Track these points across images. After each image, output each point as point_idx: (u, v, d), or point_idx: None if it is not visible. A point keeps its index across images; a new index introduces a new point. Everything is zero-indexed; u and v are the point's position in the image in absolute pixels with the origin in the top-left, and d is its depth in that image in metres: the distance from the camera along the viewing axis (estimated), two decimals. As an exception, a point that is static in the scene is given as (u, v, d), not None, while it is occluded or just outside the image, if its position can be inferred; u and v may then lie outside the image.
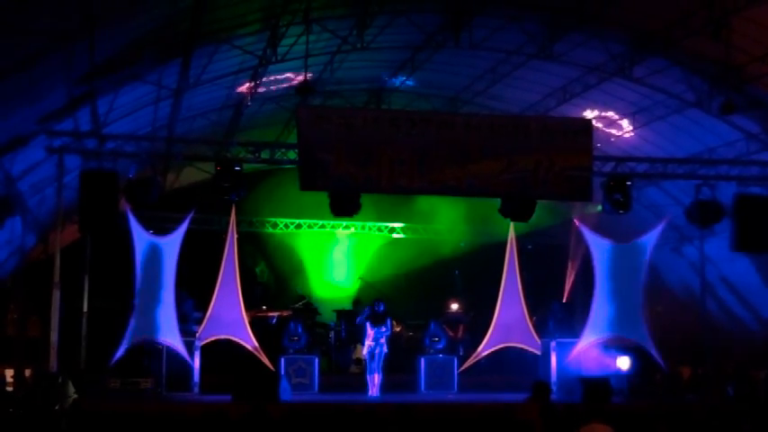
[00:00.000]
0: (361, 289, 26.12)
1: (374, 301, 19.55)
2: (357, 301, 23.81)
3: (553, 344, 20.09)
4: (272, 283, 26.50)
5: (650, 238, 20.06)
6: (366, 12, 18.22)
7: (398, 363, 20.50)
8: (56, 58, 14.74)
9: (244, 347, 19.48)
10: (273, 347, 19.88)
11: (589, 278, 20.69)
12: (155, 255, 18.58)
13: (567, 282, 23.42)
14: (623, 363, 19.49)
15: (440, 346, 20.55)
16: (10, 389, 18.08)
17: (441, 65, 21.01)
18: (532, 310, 21.74)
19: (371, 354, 18.87)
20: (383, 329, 18.90)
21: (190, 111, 21.16)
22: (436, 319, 21.50)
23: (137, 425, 14.82)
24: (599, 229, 20.57)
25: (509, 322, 21.03)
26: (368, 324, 18.96)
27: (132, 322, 18.15)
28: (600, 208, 19.92)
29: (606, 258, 20.06)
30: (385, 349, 18.91)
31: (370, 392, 18.74)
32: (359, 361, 20.90)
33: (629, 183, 19.17)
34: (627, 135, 22.34)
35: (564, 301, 23.32)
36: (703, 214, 19.32)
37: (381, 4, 18.05)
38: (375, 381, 18.86)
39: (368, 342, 18.90)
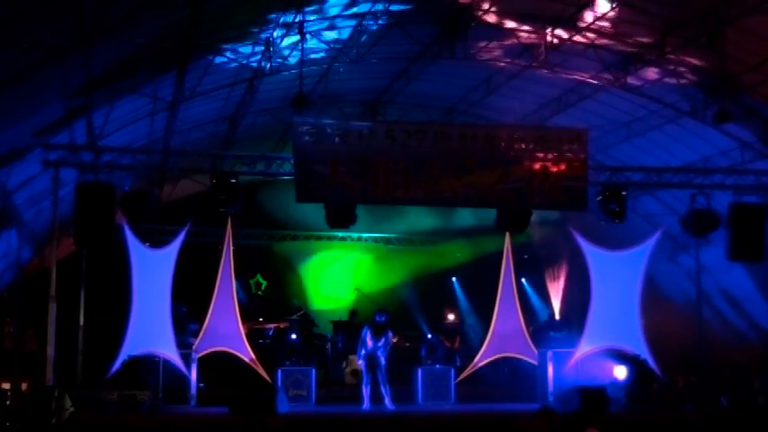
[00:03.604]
0: (358, 300, 26.10)
1: (375, 312, 19.16)
2: (353, 312, 23.75)
3: (550, 354, 20.03)
4: (269, 295, 26.46)
5: (646, 248, 20.04)
6: (361, 23, 18.26)
7: (395, 373, 20.34)
8: (51, 72, 14.75)
9: (241, 359, 19.44)
10: (270, 359, 19.83)
11: (585, 287, 20.67)
12: (151, 267, 18.51)
13: (556, 298, 23.45)
14: (620, 372, 19.48)
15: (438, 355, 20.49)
16: (7, 402, 18.01)
17: (436, 76, 21.04)
18: (529, 319, 21.68)
19: (367, 365, 18.41)
20: (382, 341, 18.39)
21: (185, 123, 21.18)
22: (433, 330, 21.43)
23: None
24: (594, 238, 20.56)
25: (506, 332, 20.97)
26: (368, 334, 18.47)
27: (129, 335, 18.07)
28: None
29: (602, 268, 20.02)
30: (383, 361, 18.42)
31: (365, 405, 18.37)
32: (354, 372, 20.76)
33: (624, 192, 19.18)
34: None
35: (557, 318, 23.36)
36: (699, 223, 19.31)
37: (376, 16, 18.09)
38: (371, 393, 18.53)
39: (363, 351, 18.40)
